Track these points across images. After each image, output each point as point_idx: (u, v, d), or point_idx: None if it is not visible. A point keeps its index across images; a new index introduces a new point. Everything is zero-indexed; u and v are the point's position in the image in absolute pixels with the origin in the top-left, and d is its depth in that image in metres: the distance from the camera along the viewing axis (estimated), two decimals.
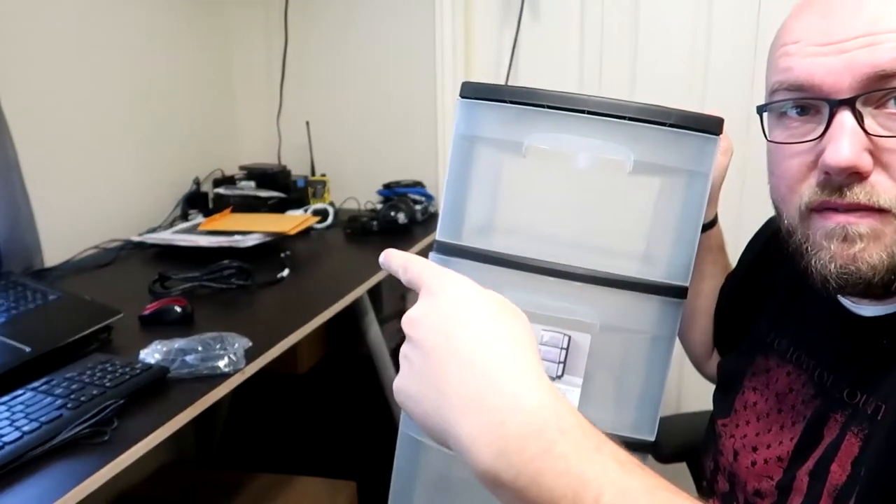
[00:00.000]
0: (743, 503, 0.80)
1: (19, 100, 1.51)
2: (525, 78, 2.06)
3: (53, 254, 1.60)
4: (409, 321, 0.52)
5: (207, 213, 2.01)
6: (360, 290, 1.56)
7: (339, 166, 2.27)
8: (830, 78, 0.64)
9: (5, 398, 0.96)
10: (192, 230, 1.83)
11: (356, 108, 2.26)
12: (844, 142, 0.62)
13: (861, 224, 0.64)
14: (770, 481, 0.76)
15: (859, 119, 0.63)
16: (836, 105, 0.64)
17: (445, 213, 0.86)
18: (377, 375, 1.87)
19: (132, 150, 1.92)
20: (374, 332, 1.84)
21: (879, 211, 0.63)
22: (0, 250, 1.47)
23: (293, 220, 1.85)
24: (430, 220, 2.07)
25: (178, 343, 1.12)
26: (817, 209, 0.67)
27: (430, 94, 2.14)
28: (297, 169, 2.24)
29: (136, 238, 1.79)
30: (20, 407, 0.94)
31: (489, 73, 2.11)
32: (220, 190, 2.07)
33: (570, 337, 0.83)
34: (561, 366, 0.83)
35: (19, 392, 0.98)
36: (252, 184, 2.09)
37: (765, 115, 0.74)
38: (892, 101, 0.63)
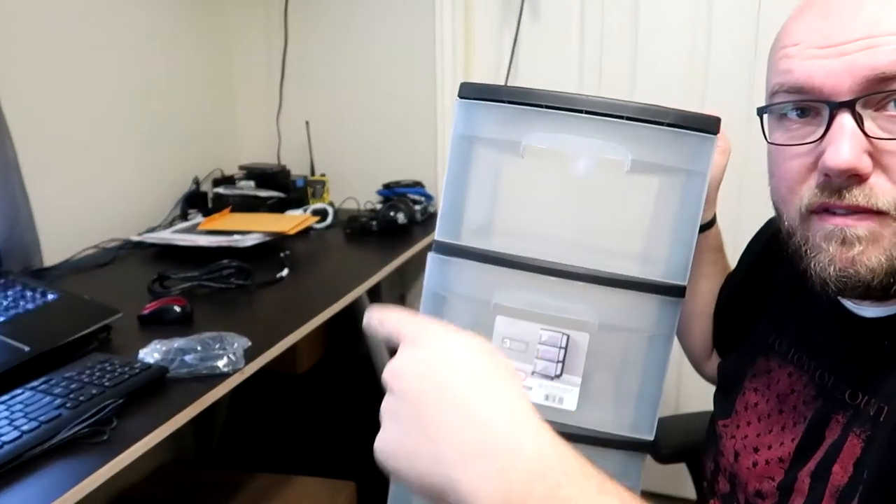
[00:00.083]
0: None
1: (19, 99, 1.51)
2: (525, 78, 2.06)
3: (53, 253, 1.60)
4: (392, 373, 0.50)
5: (207, 213, 2.01)
6: (360, 290, 1.56)
7: (338, 166, 2.28)
8: (830, 80, 0.64)
9: (4, 397, 0.96)
10: (192, 230, 1.83)
11: (356, 108, 2.26)
12: (844, 144, 0.63)
13: (859, 227, 0.64)
14: (771, 482, 0.76)
15: (859, 121, 0.63)
16: (835, 107, 0.64)
17: (444, 213, 0.86)
18: (376, 375, 1.87)
19: (132, 150, 1.92)
20: None
21: (878, 213, 0.64)
22: None
23: (292, 220, 1.85)
24: (430, 220, 2.07)
25: (178, 343, 1.12)
26: (817, 211, 0.68)
27: (430, 94, 2.15)
28: (297, 169, 2.25)
29: (135, 238, 1.80)
30: (19, 406, 0.94)
31: (489, 73, 2.11)
32: (220, 190, 2.07)
33: (568, 336, 0.83)
34: (560, 365, 0.83)
35: (18, 391, 0.98)
36: (251, 183, 2.09)
37: (765, 116, 0.74)
38: (891, 104, 0.63)
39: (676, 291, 0.80)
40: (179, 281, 1.46)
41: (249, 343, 1.16)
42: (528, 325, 0.84)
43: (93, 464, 0.86)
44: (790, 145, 0.69)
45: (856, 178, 0.63)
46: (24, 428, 0.89)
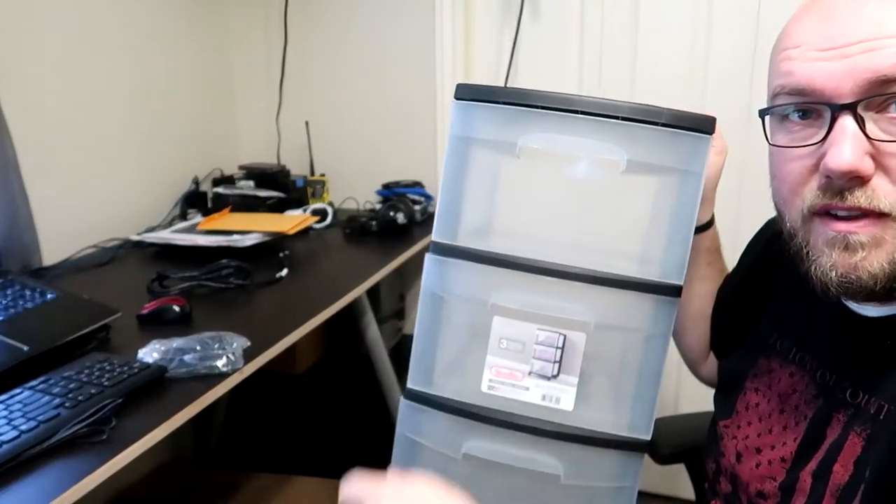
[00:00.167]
0: None
1: (18, 99, 1.51)
2: (525, 78, 2.06)
3: (52, 252, 1.60)
4: None
5: (206, 213, 2.01)
6: (359, 290, 1.56)
7: (338, 166, 2.27)
8: (832, 82, 0.64)
9: (3, 397, 0.96)
10: (191, 229, 1.83)
11: (356, 107, 2.26)
12: (846, 146, 0.63)
13: (862, 233, 0.65)
14: (773, 482, 0.76)
15: (861, 123, 0.63)
16: (837, 109, 0.64)
17: (441, 215, 0.87)
18: (376, 375, 1.87)
19: (131, 150, 1.92)
20: (373, 331, 1.84)
21: (880, 215, 0.64)
22: None
23: (292, 220, 1.85)
24: (429, 220, 2.06)
25: (177, 342, 1.12)
26: (819, 213, 0.68)
27: (430, 94, 2.14)
28: (297, 169, 2.24)
29: (134, 237, 1.79)
30: (18, 406, 0.94)
31: (489, 73, 2.11)
32: (220, 189, 2.07)
33: (565, 336, 0.83)
34: (556, 365, 0.83)
35: (17, 391, 0.98)
36: (251, 183, 2.09)
37: (766, 118, 0.74)
38: (893, 106, 0.63)
39: (672, 291, 0.81)
40: (179, 281, 1.46)
41: (248, 343, 1.16)
42: (525, 325, 0.84)
43: (91, 463, 0.86)
44: (792, 147, 0.69)
45: (857, 179, 0.64)
46: (23, 427, 0.88)
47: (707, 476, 0.91)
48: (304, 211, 2.06)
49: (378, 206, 2.06)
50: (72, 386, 0.99)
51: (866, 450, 0.67)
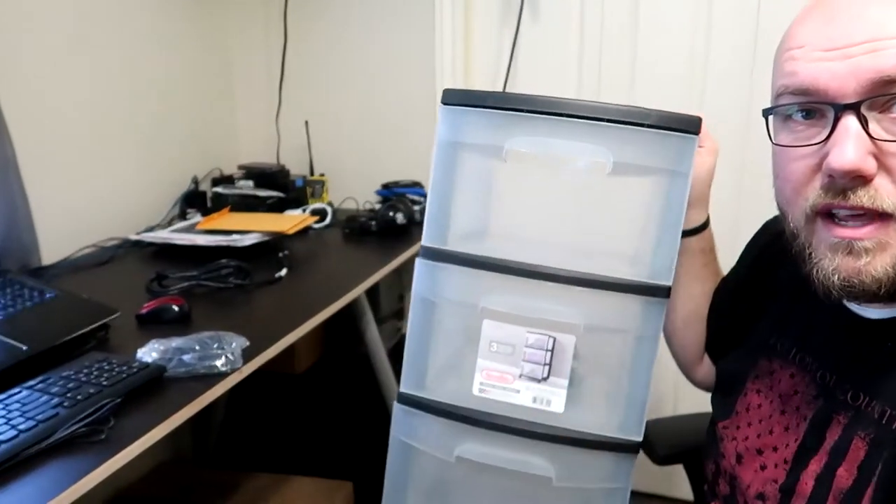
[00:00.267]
0: None
1: (18, 98, 1.51)
2: (524, 78, 2.06)
3: (51, 252, 1.60)
4: None
5: (206, 213, 2.01)
6: (358, 290, 1.55)
7: (337, 166, 2.27)
8: (835, 82, 0.64)
9: (2, 396, 0.96)
10: (190, 229, 1.83)
11: (355, 107, 2.26)
12: (849, 145, 0.63)
13: (866, 240, 0.65)
14: (774, 485, 0.76)
15: (864, 123, 0.63)
16: (840, 109, 0.64)
17: (431, 219, 0.87)
18: (375, 376, 1.87)
19: (131, 149, 1.92)
20: (372, 332, 1.84)
21: (882, 217, 0.64)
22: None
23: (291, 220, 1.85)
24: None
25: (176, 342, 1.12)
26: (822, 213, 0.68)
27: (430, 94, 2.14)
28: (296, 168, 2.24)
29: (133, 237, 1.79)
30: (16, 405, 0.93)
31: (488, 74, 2.10)
32: (219, 189, 2.06)
33: (554, 339, 0.83)
34: (546, 367, 0.84)
35: (16, 390, 0.97)
36: (250, 183, 2.09)
37: (770, 118, 0.74)
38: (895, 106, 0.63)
39: (661, 292, 0.81)
40: (178, 280, 1.46)
41: (247, 343, 1.16)
42: (515, 328, 0.85)
43: (90, 463, 0.86)
44: (795, 147, 0.69)
45: (860, 179, 0.64)
46: (22, 427, 0.88)
47: (706, 477, 0.91)
48: (304, 211, 2.06)
49: (377, 206, 2.06)
50: (70, 385, 0.98)
51: (870, 454, 0.67)
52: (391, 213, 1.93)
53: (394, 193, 2.09)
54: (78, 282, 1.50)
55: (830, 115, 0.65)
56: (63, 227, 1.66)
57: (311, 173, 2.25)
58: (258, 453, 2.05)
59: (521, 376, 0.85)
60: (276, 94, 2.30)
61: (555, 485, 0.84)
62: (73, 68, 1.72)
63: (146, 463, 1.85)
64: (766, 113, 0.74)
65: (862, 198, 0.64)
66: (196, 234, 1.77)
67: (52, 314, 1.24)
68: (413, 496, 0.95)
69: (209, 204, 2.08)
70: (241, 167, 2.17)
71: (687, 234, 0.95)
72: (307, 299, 1.45)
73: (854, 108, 0.63)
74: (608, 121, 0.77)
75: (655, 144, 0.78)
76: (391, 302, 2.18)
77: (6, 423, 0.89)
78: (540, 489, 0.86)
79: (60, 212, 1.66)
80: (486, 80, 2.10)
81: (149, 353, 1.10)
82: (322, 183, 2.21)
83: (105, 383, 0.99)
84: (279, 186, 2.09)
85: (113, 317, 1.23)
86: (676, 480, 1.95)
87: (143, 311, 1.29)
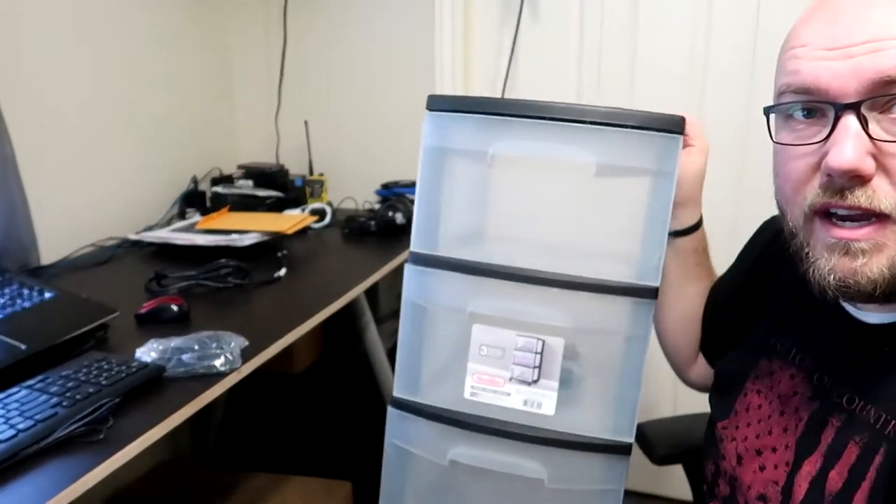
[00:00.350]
0: None
1: (17, 97, 1.51)
2: (524, 78, 2.06)
3: (50, 251, 1.60)
4: None
5: (205, 212, 2.00)
6: (358, 290, 1.55)
7: (337, 166, 2.27)
8: (836, 82, 0.64)
9: (1, 396, 0.96)
10: (190, 229, 1.83)
11: (355, 107, 2.26)
12: (848, 145, 0.63)
13: (863, 241, 0.65)
14: (775, 486, 0.76)
15: (864, 123, 0.64)
16: (841, 109, 0.64)
17: (419, 225, 0.88)
18: (374, 376, 1.87)
19: (130, 149, 1.91)
20: (371, 332, 1.84)
21: (880, 218, 0.64)
22: None
23: (291, 220, 1.85)
24: None
25: (175, 342, 1.11)
26: (820, 212, 0.68)
27: (429, 93, 2.13)
28: (295, 168, 2.24)
29: (133, 236, 1.79)
30: (15, 405, 0.93)
31: (488, 74, 2.10)
32: (218, 189, 2.06)
33: (544, 342, 0.83)
34: (536, 370, 0.84)
35: (14, 390, 0.97)
36: (250, 183, 2.09)
37: (771, 116, 0.74)
38: None
39: (649, 293, 0.81)
40: (177, 280, 1.46)
41: (246, 342, 1.16)
42: (504, 331, 0.85)
43: (89, 462, 0.85)
44: (795, 145, 0.69)
45: (858, 179, 0.64)
46: (20, 426, 0.88)
47: (706, 478, 0.91)
48: (303, 210, 2.05)
49: (377, 206, 2.05)
50: (69, 385, 0.98)
51: (862, 458, 0.67)
52: (390, 213, 1.93)
53: (393, 193, 2.09)
54: (77, 281, 1.50)
55: (831, 114, 0.65)
56: (62, 227, 1.66)
57: (311, 173, 2.25)
58: (257, 453, 2.04)
59: (511, 379, 0.85)
60: (275, 93, 2.30)
61: (547, 487, 0.85)
62: (73, 68, 1.72)
63: (145, 463, 1.85)
64: (767, 111, 0.74)
65: (860, 198, 0.64)
66: (195, 233, 1.77)
67: (51, 314, 1.24)
68: (408, 499, 0.95)
69: (208, 203, 2.08)
70: (240, 167, 2.17)
71: (680, 233, 0.95)
72: (306, 299, 1.45)
73: (854, 107, 0.64)
74: (592, 123, 0.78)
75: (639, 145, 0.79)
76: (390, 302, 2.18)
77: (5, 423, 0.89)
78: (533, 491, 0.86)
79: (60, 211, 1.66)
80: (485, 80, 2.10)
81: (148, 352, 1.10)
82: (321, 183, 2.21)
83: (104, 383, 0.99)
84: (278, 186, 2.09)
85: (112, 316, 1.23)
86: (675, 481, 1.95)
87: (142, 310, 1.29)
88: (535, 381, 0.84)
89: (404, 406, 0.91)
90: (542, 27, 2.02)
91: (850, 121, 0.64)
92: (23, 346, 1.09)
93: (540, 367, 0.84)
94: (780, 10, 1.73)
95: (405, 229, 1.93)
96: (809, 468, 0.72)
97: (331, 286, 1.52)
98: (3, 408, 0.93)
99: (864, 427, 0.68)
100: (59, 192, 1.67)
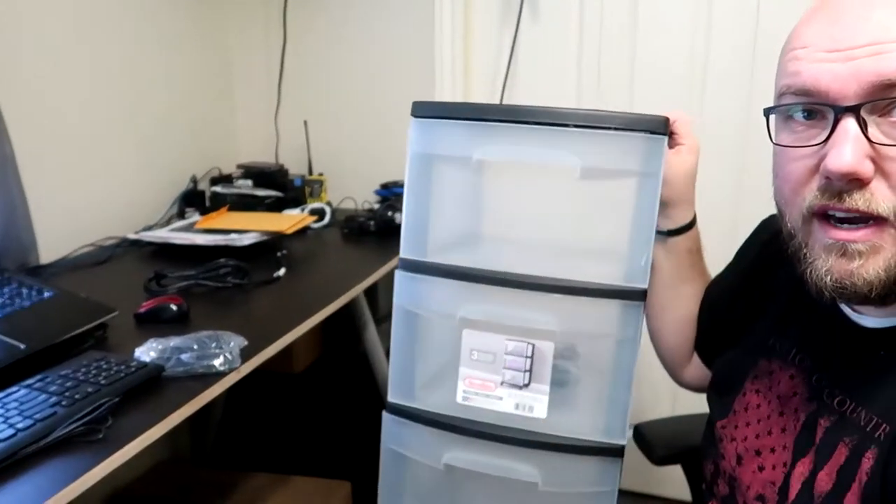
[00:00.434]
0: None
1: (17, 97, 1.51)
2: (524, 78, 2.06)
3: (49, 251, 1.60)
4: None
5: (204, 212, 2.01)
6: (357, 290, 1.55)
7: (336, 166, 2.27)
8: (837, 84, 0.64)
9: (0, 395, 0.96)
10: (189, 228, 1.83)
11: (354, 107, 2.26)
12: (847, 148, 0.63)
13: (860, 243, 0.65)
14: (773, 487, 0.76)
15: (863, 126, 0.63)
16: (841, 111, 0.64)
17: (408, 231, 0.88)
18: (373, 375, 1.87)
19: (129, 148, 1.91)
20: (371, 331, 1.84)
21: (878, 221, 0.64)
22: None
23: (290, 220, 1.85)
24: None
25: (174, 341, 1.11)
26: (818, 214, 0.68)
27: (429, 94, 2.14)
28: (295, 168, 2.24)
29: (132, 236, 1.79)
30: (14, 404, 0.93)
31: (488, 74, 2.10)
32: (217, 188, 2.06)
33: (533, 346, 0.84)
34: (527, 374, 0.84)
35: (13, 389, 0.97)
36: (249, 182, 2.09)
37: (771, 117, 0.74)
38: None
39: (637, 295, 0.81)
40: (176, 279, 1.46)
41: (246, 342, 1.16)
42: (494, 336, 0.86)
43: (88, 462, 0.85)
44: (795, 147, 0.69)
45: (857, 182, 0.64)
46: (19, 426, 0.88)
47: (705, 478, 0.91)
48: (302, 210, 2.05)
49: (376, 206, 2.05)
50: (68, 384, 0.98)
51: (850, 460, 0.67)
52: (390, 213, 1.93)
53: (392, 193, 2.09)
54: (76, 281, 1.50)
55: (830, 116, 0.65)
56: (62, 226, 1.66)
57: (310, 173, 2.25)
58: (256, 453, 2.04)
59: (502, 383, 0.85)
60: (275, 93, 2.30)
61: (541, 489, 0.85)
62: (73, 68, 1.71)
63: (144, 462, 1.85)
64: (767, 112, 0.74)
65: (857, 201, 0.64)
66: (194, 233, 1.77)
67: (51, 313, 1.24)
68: (405, 503, 0.96)
69: (208, 203, 2.08)
70: (239, 166, 2.17)
71: (673, 233, 0.94)
72: (305, 299, 1.45)
73: (854, 110, 0.64)
74: (575, 126, 0.78)
75: (623, 147, 0.80)
76: (389, 302, 2.16)
77: (4, 422, 0.89)
78: (527, 495, 0.86)
79: (59, 211, 1.66)
80: (485, 81, 2.10)
81: (147, 352, 1.10)
82: (321, 182, 2.21)
83: (103, 382, 0.99)
84: (278, 186, 2.09)
85: (111, 316, 1.23)
86: (674, 481, 1.95)
87: (142, 310, 1.29)
88: (526, 385, 0.84)
89: (399, 411, 0.91)
90: (542, 27, 2.02)
91: (849, 124, 0.64)
92: (22, 346, 1.09)
93: (531, 370, 0.84)
94: (780, 10, 1.73)
95: None
96: (802, 469, 0.72)
97: (330, 286, 1.52)
98: (2, 407, 0.92)
99: (854, 429, 0.68)
100: (58, 191, 1.67)
